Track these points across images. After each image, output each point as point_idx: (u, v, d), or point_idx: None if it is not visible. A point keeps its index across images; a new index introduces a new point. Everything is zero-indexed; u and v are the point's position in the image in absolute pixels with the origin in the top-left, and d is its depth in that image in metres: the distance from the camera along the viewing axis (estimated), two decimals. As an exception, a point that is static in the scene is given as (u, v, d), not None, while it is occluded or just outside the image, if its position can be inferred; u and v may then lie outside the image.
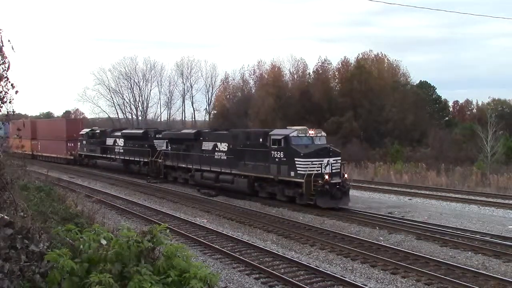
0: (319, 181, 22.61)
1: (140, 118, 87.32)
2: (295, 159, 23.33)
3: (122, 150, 40.87)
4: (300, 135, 24.24)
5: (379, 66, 73.71)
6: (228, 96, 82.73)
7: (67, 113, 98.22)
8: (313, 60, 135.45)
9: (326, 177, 22.76)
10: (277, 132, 25.50)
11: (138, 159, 38.28)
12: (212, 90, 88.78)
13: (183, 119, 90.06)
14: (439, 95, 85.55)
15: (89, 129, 47.93)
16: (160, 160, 35.17)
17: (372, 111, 64.14)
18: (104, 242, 6.18)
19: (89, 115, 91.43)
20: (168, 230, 6.55)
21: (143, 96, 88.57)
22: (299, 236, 18.57)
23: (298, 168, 23.20)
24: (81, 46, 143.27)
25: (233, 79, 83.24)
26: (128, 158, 39.72)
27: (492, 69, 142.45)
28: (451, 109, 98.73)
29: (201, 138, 31.08)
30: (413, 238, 18.06)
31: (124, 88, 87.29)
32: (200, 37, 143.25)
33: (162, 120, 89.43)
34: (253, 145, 26.33)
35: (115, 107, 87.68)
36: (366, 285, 12.76)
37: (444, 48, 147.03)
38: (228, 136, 29.07)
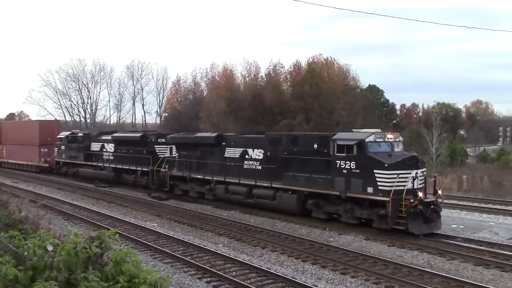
0: (410, 200, 17.97)
1: (88, 120, 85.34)
2: (375, 171, 18.41)
3: (112, 157, 34.81)
4: (377, 140, 19.35)
5: (329, 70, 74.95)
6: (179, 99, 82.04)
7: (11, 115, 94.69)
8: (266, 63, 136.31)
9: (420, 194, 18.15)
10: (345, 136, 20.27)
11: (135, 168, 32.40)
12: (163, 92, 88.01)
13: (133, 121, 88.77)
14: (387, 99, 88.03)
15: (70, 132, 42.03)
16: (163, 170, 29.74)
17: (322, 114, 65.11)
18: (50, 248, 6.01)
19: (34, 117, 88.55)
20: (117, 235, 6.44)
21: (91, 98, 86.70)
22: (250, 238, 18.62)
23: (379, 183, 18.29)
24: (26, 46, 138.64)
25: (185, 82, 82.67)
26: (120, 166, 33.77)
27: (436, 73, 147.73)
28: (398, 112, 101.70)
29: (224, 143, 25.90)
30: (362, 239, 18.47)
31: (72, 90, 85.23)
32: (151, 39, 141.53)
33: (111, 122, 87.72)
34: (305, 152, 21.38)
35: (62, 110, 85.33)
36: (316, 286, 12.93)
37: (391, 53, 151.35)
38: (264, 141, 23.93)
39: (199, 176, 27.06)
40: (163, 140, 31.55)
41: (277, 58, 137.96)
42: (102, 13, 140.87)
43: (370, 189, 18.62)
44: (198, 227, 21.02)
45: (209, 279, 13.58)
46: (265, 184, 22.96)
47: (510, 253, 16.06)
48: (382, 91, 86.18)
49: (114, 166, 34.42)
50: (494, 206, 26.69)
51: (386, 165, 18.31)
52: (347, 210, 19.82)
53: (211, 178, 26.22)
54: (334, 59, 75.54)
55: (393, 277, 13.67)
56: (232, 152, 25.25)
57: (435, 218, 18.48)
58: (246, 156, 24.35)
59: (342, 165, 19.52)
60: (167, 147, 31.09)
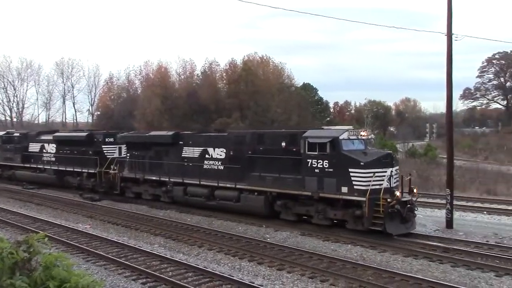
0: (388, 199, 17.33)
1: (15, 119, 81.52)
2: (351, 169, 17.64)
3: (54, 159, 32.62)
4: (351, 137, 18.52)
5: (264, 68, 75.57)
6: (112, 97, 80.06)
7: None
8: (201, 61, 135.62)
9: (398, 193, 17.73)
10: (317, 134, 19.20)
11: (80, 170, 30.23)
12: (95, 90, 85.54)
13: (64, 120, 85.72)
14: (321, 97, 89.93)
15: (4, 132, 39.35)
16: (113, 171, 27.87)
17: (258, 112, 65.57)
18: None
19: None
20: (46, 239, 6.20)
21: (18, 96, 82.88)
22: (187, 237, 18.47)
23: (355, 182, 17.55)
24: None
25: (118, 79, 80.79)
26: (63, 168, 31.52)
27: (368, 72, 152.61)
28: (332, 110, 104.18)
29: (181, 142, 24.48)
30: (298, 234, 18.77)
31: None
32: (82, 36, 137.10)
33: (40, 122, 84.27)
34: (272, 150, 20.28)
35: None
36: (253, 283, 13.00)
37: (325, 52, 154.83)
38: (227, 139, 22.75)
39: (154, 178, 25.53)
40: (112, 139, 29.67)
41: (213, 56, 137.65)
42: (29, 8, 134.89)
43: (344, 189, 17.78)
44: (133, 228, 20.60)
45: (144, 280, 13.32)
46: (228, 185, 21.73)
47: (437, 243, 16.81)
48: (316, 89, 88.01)
49: (56, 168, 32.25)
50: (421, 200, 27.86)
51: (362, 163, 17.51)
52: (319, 211, 18.88)
53: (167, 179, 24.72)
54: (269, 57, 76.25)
55: (328, 271, 13.98)
56: (191, 152, 23.89)
57: (411, 218, 17.93)
58: (207, 156, 23.08)
59: (314, 164, 18.59)
60: (116, 147, 29.32)
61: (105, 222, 22.11)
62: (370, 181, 17.27)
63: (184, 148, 24.20)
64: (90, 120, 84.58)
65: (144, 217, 22.71)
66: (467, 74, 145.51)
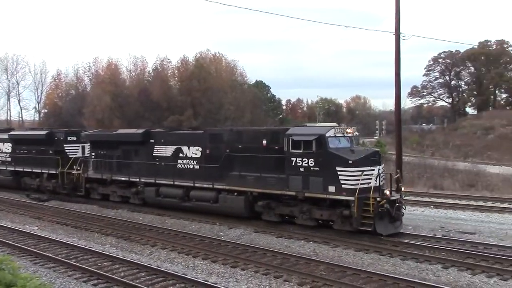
0: (377, 199, 16.76)
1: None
2: (338, 168, 17.01)
3: (10, 159, 30.69)
4: (337, 134, 17.91)
5: (217, 66, 75.36)
6: (60, 94, 77.86)
7: None
8: (153, 58, 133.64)
9: (387, 192, 17.21)
10: (302, 131, 18.47)
11: (40, 171, 28.48)
12: (42, 87, 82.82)
13: (8, 118, 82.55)
14: (273, 94, 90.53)
15: None
16: (76, 172, 26.43)
17: (211, 109, 65.38)
18: None
19: None
20: (-11, 241, 5.91)
21: (-43, 93, 79.24)
22: (139, 237, 18.18)
23: (343, 181, 16.91)
24: None
25: (66, 76, 78.67)
26: (21, 169, 29.74)
27: (320, 70, 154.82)
28: (284, 107, 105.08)
29: (152, 141, 23.29)
30: (252, 231, 18.80)
31: None
32: (27, 31, 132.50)
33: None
34: (252, 149, 19.48)
35: None
36: (207, 281, 12.93)
37: (278, 50, 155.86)
38: (203, 137, 21.64)
39: (123, 178, 24.28)
40: (74, 138, 28.11)
41: (165, 53, 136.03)
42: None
43: (332, 188, 17.13)
44: (83, 228, 20.09)
45: (96, 281, 13.01)
46: (205, 185, 20.79)
47: (387, 237, 17.19)
48: (269, 86, 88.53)
49: (12, 169, 30.32)
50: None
51: (350, 161, 16.91)
52: (304, 212, 18.21)
53: (137, 180, 23.53)
54: (222, 54, 76.10)
55: (281, 267, 14.07)
56: (163, 151, 22.75)
57: (400, 217, 17.53)
58: (180, 155, 22.03)
59: (299, 163, 17.83)
60: (79, 146, 27.84)
61: (54, 223, 21.46)
62: (359, 179, 16.69)
63: (156, 146, 23.11)
64: (36, 118, 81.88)
65: (94, 217, 22.19)
66: (415, 73, 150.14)
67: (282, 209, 19.00)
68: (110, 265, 14.48)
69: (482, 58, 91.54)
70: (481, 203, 25.20)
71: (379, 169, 17.42)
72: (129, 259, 14.93)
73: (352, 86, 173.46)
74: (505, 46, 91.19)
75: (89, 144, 27.03)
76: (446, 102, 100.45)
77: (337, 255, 15.66)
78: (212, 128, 24.97)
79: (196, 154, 21.55)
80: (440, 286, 12.29)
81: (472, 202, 25.56)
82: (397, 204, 17.27)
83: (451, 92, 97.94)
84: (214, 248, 16.38)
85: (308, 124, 20.30)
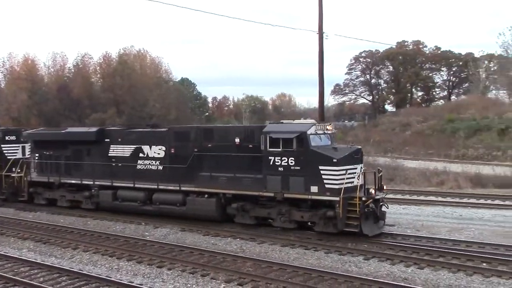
0: (363, 198, 16.10)
1: None
2: (321, 167, 16.20)
3: None
4: (318, 132, 17.12)
5: (141, 62, 73.87)
6: (-29, 91, 73.07)
7: None
8: (74, 54, 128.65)
9: (372, 191, 16.61)
10: (280, 129, 17.49)
11: None
12: (-50, 83, 77.31)
13: None
14: (199, 92, 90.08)
15: None
16: (16, 175, 24.10)
17: (135, 107, 64.01)
18: None
19: None
20: None
21: None
22: (60, 240, 17.45)
23: (326, 181, 16.14)
24: None
25: (-23, 72, 73.83)
26: None
27: (246, 67, 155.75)
28: (210, 104, 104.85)
29: (108, 140, 21.60)
30: (178, 230, 18.60)
31: None
32: None
33: None
34: (223, 147, 18.35)
35: None
36: (132, 282, 12.64)
37: (204, 47, 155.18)
38: (167, 136, 20.18)
39: (74, 181, 22.46)
40: (13, 137, 25.63)
41: (86, 49, 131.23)
42: None
43: (314, 188, 16.31)
44: (-3, 233, 19.00)
45: (12, 288, 12.36)
46: (170, 188, 19.52)
47: (312, 232, 17.56)
48: (195, 84, 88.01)
49: None
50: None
51: (334, 160, 16.11)
52: (283, 213, 17.27)
53: (91, 182, 21.76)
54: (146, 51, 74.63)
55: (208, 265, 14.02)
56: (120, 150, 21.15)
57: (384, 217, 17.14)
58: (141, 155, 20.53)
59: (277, 162, 16.92)
60: (19, 146, 25.46)
61: (-35, 228, 20.13)
62: (343, 179, 16.01)
63: (112, 146, 21.42)
64: None
65: (10, 221, 21.05)
66: (338, 71, 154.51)
67: (258, 211, 17.95)
68: (28, 270, 13.81)
69: (400, 57, 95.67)
70: (399, 196, 26.37)
71: (361, 167, 16.97)
72: (48, 263, 14.32)
73: (278, 84, 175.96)
74: (420, 46, 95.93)
75: (30, 144, 24.79)
76: (367, 99, 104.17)
77: (264, 251, 15.82)
78: (178, 126, 23.42)
79: (159, 154, 20.12)
80: (361, 276, 12.75)
81: (391, 196, 26.67)
82: (380, 203, 16.89)
83: (372, 90, 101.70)
84: (139, 248, 16.04)
85: (284, 121, 19.52)
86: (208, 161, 18.69)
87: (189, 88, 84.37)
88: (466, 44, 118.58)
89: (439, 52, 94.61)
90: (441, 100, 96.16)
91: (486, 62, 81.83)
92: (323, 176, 16.21)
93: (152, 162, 20.28)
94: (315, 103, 78.42)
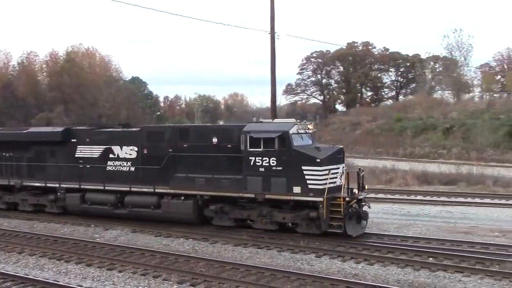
0: (346, 198, 15.87)
1: None
2: (304, 167, 15.94)
3: None
4: (300, 131, 16.89)
5: (90, 61, 72.19)
6: None
7: None
8: (19, 52, 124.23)
9: (356, 191, 16.37)
10: (261, 128, 17.06)
11: None
12: None
13: None
14: (150, 91, 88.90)
15: None
16: None
17: (84, 106, 62.51)
18: None
19: None
20: None
21: None
22: (4, 244, 16.78)
23: (309, 181, 15.88)
24: None
25: None
26: None
27: (198, 66, 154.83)
28: (162, 104, 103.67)
29: (75, 140, 20.59)
30: (129, 232, 18.29)
31: None
32: None
33: None
34: (200, 148, 17.76)
35: None
36: (81, 286, 12.34)
37: (155, 46, 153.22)
38: (139, 136, 19.33)
39: (38, 184, 21.16)
40: None
41: (31, 47, 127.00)
42: None
43: (297, 189, 16.02)
44: None
45: (-48, 296, 11.81)
46: (144, 190, 18.69)
47: (264, 230, 17.62)
48: (146, 83, 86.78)
49: None
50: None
51: (318, 160, 15.85)
52: (264, 215, 16.89)
53: (57, 185, 20.57)
54: (95, 49, 72.97)
55: (160, 266, 13.86)
56: (88, 151, 20.17)
57: (367, 217, 16.88)
58: (111, 156, 19.62)
59: (258, 162, 16.50)
60: None
61: None
62: (327, 179, 15.81)
63: (79, 147, 20.40)
64: None
65: (-50, 225, 20.10)
66: (291, 71, 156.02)
67: (237, 213, 17.44)
68: (-30, 276, 13.22)
69: (350, 58, 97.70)
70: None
71: (343, 167, 16.88)
72: (-8, 269, 13.75)
73: (230, 83, 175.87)
74: (370, 47, 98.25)
75: None
76: (318, 99, 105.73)
77: (217, 250, 15.78)
78: (151, 126, 22.45)
79: (130, 154, 19.26)
80: (313, 274, 12.93)
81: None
82: (363, 203, 16.82)
83: (323, 90, 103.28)
84: (88, 251, 15.66)
85: (264, 120, 19.01)
86: (184, 162, 18.04)
87: (140, 87, 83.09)
88: (414, 46, 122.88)
89: (387, 53, 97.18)
90: (390, 100, 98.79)
91: (432, 63, 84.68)
92: (306, 177, 15.93)
93: (123, 163, 19.45)
94: (267, 103, 78.95)
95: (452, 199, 25.16)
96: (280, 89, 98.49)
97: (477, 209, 22.26)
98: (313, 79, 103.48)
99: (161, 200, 18.35)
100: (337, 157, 16.71)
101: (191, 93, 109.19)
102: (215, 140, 17.61)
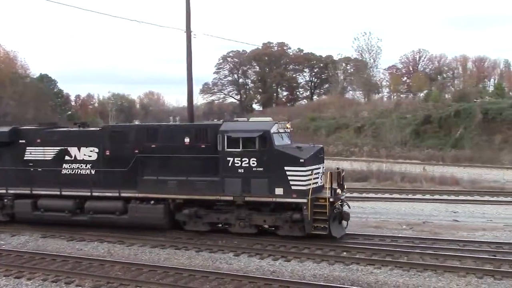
0: (330, 199, 15.34)
1: None
2: (287, 168, 15.28)
3: None
4: (280, 130, 16.26)
5: (-7, 56, 67.93)
6: None
7: None
8: None
9: (339, 191, 15.96)
10: (240, 127, 16.42)
11: None
12: None
13: None
14: (61, 89, 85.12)
15: None
16: None
17: (-13, 104, 58.62)
18: None
19: None
20: None
21: None
22: None
23: (292, 182, 15.26)
24: None
25: None
26: None
27: (111, 65, 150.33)
28: (73, 103, 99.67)
29: (23, 141, 18.68)
30: (39, 237, 17.40)
31: None
32: None
33: None
34: (171, 148, 16.69)
35: None
36: (-14, 297, 11.57)
37: (65, 43, 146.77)
38: (100, 136, 17.95)
39: None
40: None
41: None
42: None
43: (279, 190, 15.38)
44: None
45: None
46: (108, 194, 17.31)
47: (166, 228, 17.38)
48: (56, 81, 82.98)
49: None
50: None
51: (301, 160, 15.29)
52: (242, 218, 16.10)
53: (4, 191, 18.54)
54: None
55: (73, 271, 13.32)
56: (40, 153, 18.42)
57: (348, 217, 16.36)
58: (67, 158, 18.01)
59: (237, 163, 15.70)
60: None
61: None
62: (310, 179, 15.34)
63: (28, 148, 18.58)
64: None
65: None
66: (207, 70, 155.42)
67: (213, 217, 16.54)
68: None
69: (266, 58, 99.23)
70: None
71: (323, 167, 16.52)
72: None
73: (146, 82, 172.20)
74: (285, 48, 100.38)
75: None
76: (235, 98, 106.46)
77: (133, 253, 15.42)
78: (113, 125, 20.50)
79: (90, 156, 17.79)
80: (232, 272, 13.00)
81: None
82: (344, 204, 16.53)
83: (239, 90, 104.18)
84: (-7, 259, 14.71)
85: (239, 119, 18.11)
86: (152, 164, 16.88)
87: (49, 85, 79.27)
88: (328, 47, 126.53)
89: (302, 54, 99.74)
90: (305, 100, 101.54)
91: (343, 64, 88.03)
92: (289, 177, 15.33)
93: (81, 166, 17.92)
94: (184, 102, 78.07)
95: (364, 195, 26.25)
96: (197, 88, 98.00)
97: (387, 204, 23.42)
98: (229, 78, 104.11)
99: (128, 205, 17.08)
100: (318, 157, 16.31)
101: (104, 92, 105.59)
102: (187, 140, 16.65)
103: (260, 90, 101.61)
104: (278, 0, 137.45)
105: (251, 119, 18.44)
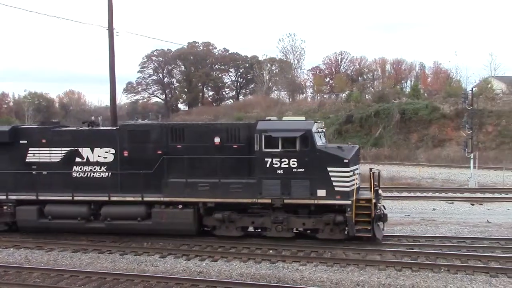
0: (373, 200, 14.88)
1: None
2: (330, 168, 14.61)
3: None
4: (319, 130, 15.53)
5: None
6: None
7: None
8: None
9: (381, 192, 15.51)
10: (279, 126, 15.49)
11: None
12: None
13: None
14: (-29, 87, 79.94)
15: None
16: None
17: None
18: None
19: None
20: None
21: None
22: None
23: (336, 183, 14.56)
24: None
25: None
26: None
27: (30, 62, 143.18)
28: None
29: (25, 142, 16.96)
30: None
31: None
32: None
33: None
34: (200, 149, 15.65)
35: None
36: None
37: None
38: (117, 136, 16.48)
39: None
40: None
41: None
42: None
43: (321, 192, 14.69)
44: None
45: None
46: (129, 199, 16.00)
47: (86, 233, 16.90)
48: (-34, 78, 77.86)
49: None
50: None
51: (345, 160, 14.67)
52: (280, 221, 15.30)
53: (4, 197, 16.77)
54: None
55: (-13, 281, 12.56)
56: (45, 155, 16.83)
57: (386, 218, 15.61)
58: (78, 160, 16.56)
59: (276, 164, 14.91)
60: None
61: None
62: (354, 180, 14.81)
63: (31, 149, 16.95)
64: None
65: None
66: (131, 69, 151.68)
67: (247, 221, 15.72)
68: None
69: (191, 57, 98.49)
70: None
71: (359, 168, 15.94)
72: None
73: (66, 80, 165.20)
74: (211, 47, 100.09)
75: None
76: (160, 98, 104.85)
77: (53, 259, 14.80)
78: (132, 124, 19.09)
79: (105, 158, 16.48)
80: (158, 275, 12.82)
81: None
82: (382, 205, 15.88)
83: (165, 89, 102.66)
84: None
85: (272, 118, 16.96)
86: (180, 166, 15.72)
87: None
88: (253, 48, 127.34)
89: (228, 53, 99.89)
90: (231, 100, 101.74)
91: (269, 65, 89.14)
92: (332, 178, 14.72)
93: (95, 168, 16.56)
94: (106, 101, 75.93)
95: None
96: (120, 87, 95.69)
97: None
98: (154, 77, 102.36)
99: (152, 210, 15.94)
100: (358, 157, 15.94)
101: (20, 90, 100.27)
102: (217, 140, 15.71)
103: (185, 89, 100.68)
104: (204, 0, 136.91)
105: (284, 118, 17.77)
